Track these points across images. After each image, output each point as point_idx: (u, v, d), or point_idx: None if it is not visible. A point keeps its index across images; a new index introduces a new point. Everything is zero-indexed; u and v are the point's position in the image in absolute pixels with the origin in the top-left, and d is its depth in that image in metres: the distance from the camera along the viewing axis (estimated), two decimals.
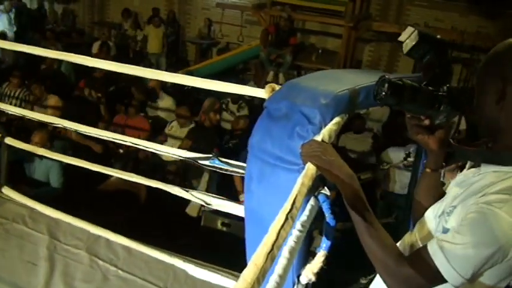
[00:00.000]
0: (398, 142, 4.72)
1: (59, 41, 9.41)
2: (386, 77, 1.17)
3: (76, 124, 2.56)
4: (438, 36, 1.24)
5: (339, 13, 8.93)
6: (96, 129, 2.40)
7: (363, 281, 2.05)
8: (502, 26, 9.11)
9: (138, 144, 2.25)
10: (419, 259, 1.13)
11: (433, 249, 1.10)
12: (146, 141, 2.40)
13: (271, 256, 0.88)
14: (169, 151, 2.37)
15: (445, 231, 1.15)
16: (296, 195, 1.07)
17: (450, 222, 1.16)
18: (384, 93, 1.15)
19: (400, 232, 1.56)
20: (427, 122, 1.25)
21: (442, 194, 1.38)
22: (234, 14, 10.60)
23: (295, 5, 9.20)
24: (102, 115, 5.68)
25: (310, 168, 1.24)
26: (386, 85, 1.14)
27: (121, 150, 4.73)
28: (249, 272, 0.83)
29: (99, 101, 5.83)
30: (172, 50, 11.03)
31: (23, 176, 4.19)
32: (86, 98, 6.03)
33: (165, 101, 6.12)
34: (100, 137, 2.34)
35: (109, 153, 4.88)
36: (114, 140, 2.43)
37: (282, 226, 0.96)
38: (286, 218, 0.98)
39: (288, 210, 1.00)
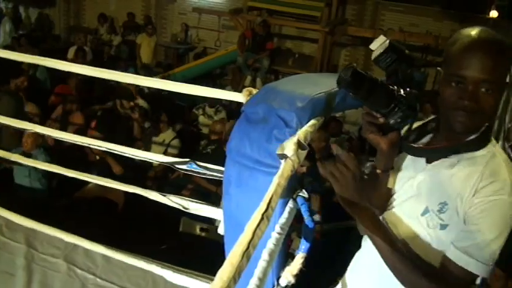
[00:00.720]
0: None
1: (34, 46, 9.26)
2: (354, 65, 1.19)
3: (53, 130, 2.52)
4: (407, 51, 1.27)
5: (315, 18, 9.02)
6: (75, 135, 2.37)
7: None
8: None
9: (115, 150, 2.23)
10: (448, 271, 1.18)
11: (457, 257, 1.16)
12: (123, 147, 2.37)
13: (247, 255, 0.88)
14: (146, 156, 2.36)
15: (444, 227, 1.21)
16: (272, 195, 1.07)
17: (448, 218, 1.21)
18: (345, 77, 1.15)
19: None
20: (381, 120, 1.24)
21: (389, 193, 1.40)
22: (211, 18, 10.60)
23: (271, 10, 9.26)
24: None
25: (286, 169, 1.24)
26: (350, 71, 1.16)
27: (97, 157, 4.68)
28: (225, 271, 0.83)
29: (133, 111, 5.60)
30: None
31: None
32: (118, 112, 5.81)
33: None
34: (82, 144, 2.31)
35: (85, 160, 4.83)
36: (91, 146, 2.40)
37: (258, 225, 0.96)
38: (262, 218, 0.99)
39: (263, 210, 1.01)
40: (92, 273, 2.57)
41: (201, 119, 6.40)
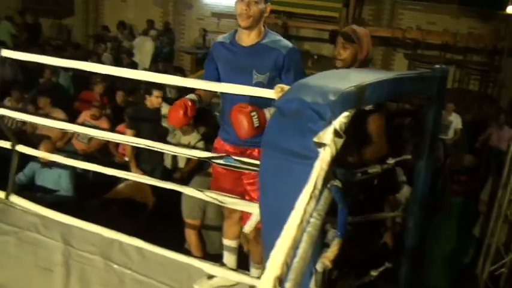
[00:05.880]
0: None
1: (56, 55, 9.47)
2: None
3: (86, 129, 2.60)
4: None
5: (333, 19, 9.06)
6: (112, 133, 2.46)
7: (374, 273, 2.12)
8: (493, 26, 9.25)
9: (155, 147, 2.31)
10: None
11: None
12: (162, 144, 2.45)
13: (301, 228, 0.94)
14: (186, 152, 2.44)
15: None
16: (316, 178, 1.14)
17: None
18: None
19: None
20: None
21: None
22: (229, 23, 10.69)
23: (290, 12, 9.32)
24: None
25: (326, 155, 1.30)
26: None
27: (126, 158, 4.77)
28: (284, 241, 0.89)
29: None
30: (168, 60, 11.15)
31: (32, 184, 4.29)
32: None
33: None
34: (116, 140, 2.40)
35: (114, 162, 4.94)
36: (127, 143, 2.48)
37: (307, 203, 1.03)
38: (310, 197, 1.05)
39: (311, 190, 1.08)
40: (128, 268, 2.66)
41: None
